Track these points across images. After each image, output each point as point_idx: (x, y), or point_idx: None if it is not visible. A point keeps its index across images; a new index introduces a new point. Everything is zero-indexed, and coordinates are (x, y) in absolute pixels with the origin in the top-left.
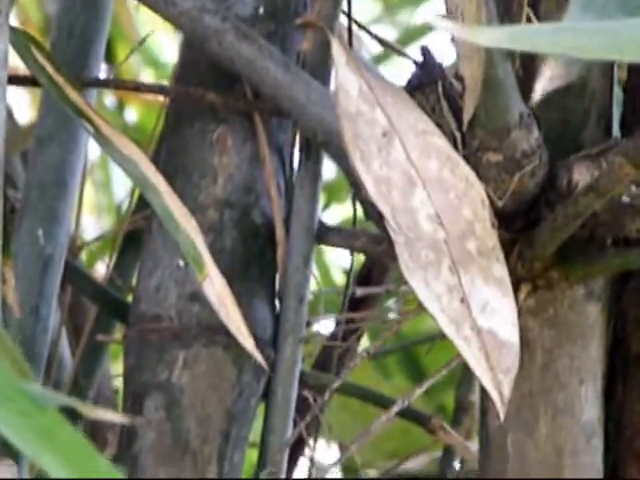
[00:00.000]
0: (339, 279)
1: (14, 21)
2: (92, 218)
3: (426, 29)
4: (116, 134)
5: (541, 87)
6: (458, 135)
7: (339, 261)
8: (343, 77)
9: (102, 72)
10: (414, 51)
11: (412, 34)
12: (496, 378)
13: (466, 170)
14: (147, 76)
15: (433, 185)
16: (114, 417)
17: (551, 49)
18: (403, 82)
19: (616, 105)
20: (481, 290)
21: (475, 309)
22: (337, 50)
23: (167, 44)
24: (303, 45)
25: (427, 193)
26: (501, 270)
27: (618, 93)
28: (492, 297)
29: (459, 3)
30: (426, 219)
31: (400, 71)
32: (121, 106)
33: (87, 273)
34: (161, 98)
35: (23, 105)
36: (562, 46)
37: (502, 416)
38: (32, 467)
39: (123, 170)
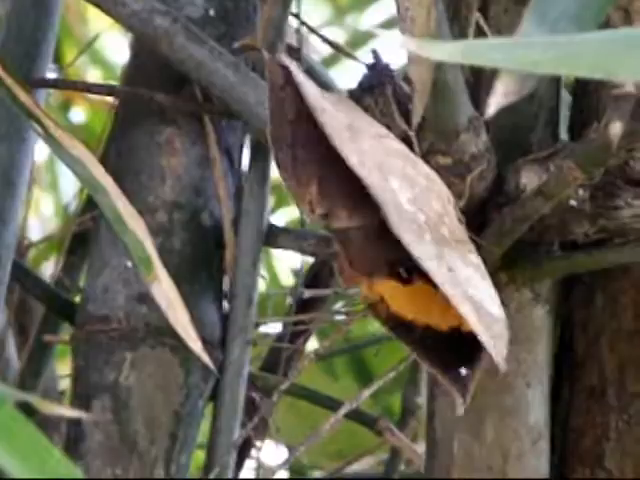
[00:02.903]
0: (287, 282)
1: None
2: (37, 221)
3: (374, 32)
4: (65, 135)
5: (495, 102)
6: (413, 136)
7: (287, 264)
8: (301, 81)
9: (49, 72)
10: (364, 54)
11: (361, 37)
12: (491, 340)
13: (425, 168)
14: (94, 77)
15: (401, 178)
16: (68, 412)
17: (504, 64)
18: (353, 85)
19: (564, 109)
20: (462, 268)
21: (462, 280)
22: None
23: (115, 44)
24: (252, 50)
25: (399, 182)
26: (476, 259)
27: (566, 97)
28: (473, 276)
29: (409, 7)
30: (406, 202)
31: (349, 74)
32: (67, 107)
33: (35, 273)
34: (108, 99)
35: None
36: (515, 61)
37: (503, 369)
38: None
39: (71, 171)
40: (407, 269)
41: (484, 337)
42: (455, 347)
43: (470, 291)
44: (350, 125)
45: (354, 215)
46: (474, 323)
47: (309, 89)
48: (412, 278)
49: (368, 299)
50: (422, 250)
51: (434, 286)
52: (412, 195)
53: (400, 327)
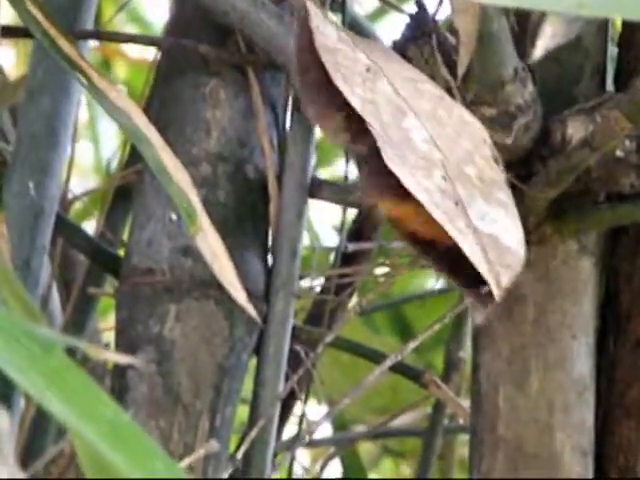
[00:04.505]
0: (327, 240)
1: None
2: (78, 178)
3: None
4: (109, 86)
5: (542, 44)
6: (454, 87)
7: (328, 221)
8: (321, 26)
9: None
10: (409, 8)
11: None
12: (494, 269)
13: (461, 111)
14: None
15: (427, 118)
16: (117, 357)
17: (553, 7)
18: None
19: (610, 61)
20: (481, 205)
21: (472, 215)
22: (313, 10)
23: (152, 2)
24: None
25: (419, 122)
26: (505, 197)
27: (612, 49)
28: (493, 212)
29: None
30: (420, 140)
31: (395, 29)
32: (106, 66)
33: (79, 226)
34: (147, 57)
35: (9, 61)
36: (563, 4)
37: (497, 298)
38: (26, 412)
39: (116, 122)
40: None
41: (485, 273)
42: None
43: (479, 224)
44: (369, 66)
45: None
46: (473, 259)
47: (324, 29)
48: None
49: (390, 217)
50: (419, 184)
51: None
52: (433, 134)
53: (420, 244)
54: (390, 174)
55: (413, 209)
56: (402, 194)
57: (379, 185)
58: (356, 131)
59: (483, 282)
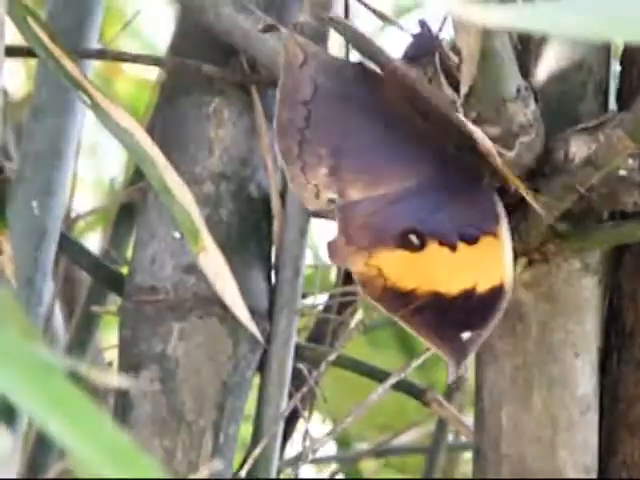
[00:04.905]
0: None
1: None
2: (82, 196)
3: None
4: (112, 105)
5: (545, 68)
6: (459, 105)
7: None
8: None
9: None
10: (409, 24)
11: (407, 7)
12: None
13: (469, 124)
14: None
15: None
16: (117, 381)
17: (555, 30)
18: (398, 55)
19: (612, 79)
20: None
21: None
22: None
23: (154, 21)
24: (300, 18)
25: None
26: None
27: (614, 67)
28: None
29: None
30: None
31: (395, 46)
32: (109, 85)
33: (82, 245)
34: (150, 75)
35: (16, 80)
36: (565, 27)
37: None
38: (29, 429)
39: (119, 141)
40: (418, 235)
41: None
42: (460, 313)
43: None
44: None
45: (373, 186)
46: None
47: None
48: (423, 244)
49: (363, 275)
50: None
51: (452, 248)
52: None
53: (394, 300)
54: (390, 218)
55: (398, 255)
56: (399, 240)
57: (370, 235)
58: (347, 181)
59: (463, 330)
